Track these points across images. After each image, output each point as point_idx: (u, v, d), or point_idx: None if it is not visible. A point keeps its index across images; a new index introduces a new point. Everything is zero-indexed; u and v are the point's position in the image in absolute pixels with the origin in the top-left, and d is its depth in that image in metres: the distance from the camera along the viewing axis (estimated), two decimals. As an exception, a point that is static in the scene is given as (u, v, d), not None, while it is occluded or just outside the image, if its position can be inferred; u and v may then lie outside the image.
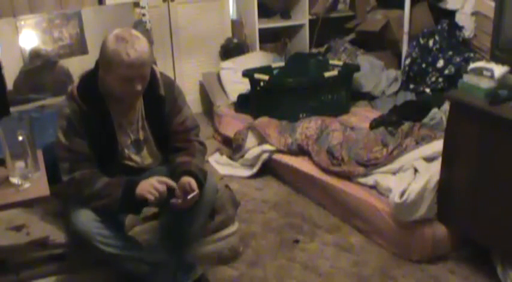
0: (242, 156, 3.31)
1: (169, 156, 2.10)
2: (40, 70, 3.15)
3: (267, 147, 3.17)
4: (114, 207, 1.91)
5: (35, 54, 3.18)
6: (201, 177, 1.98)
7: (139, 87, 1.87)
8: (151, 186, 1.87)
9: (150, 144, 2.09)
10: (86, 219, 1.88)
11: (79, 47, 3.21)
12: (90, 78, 1.97)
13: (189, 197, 1.89)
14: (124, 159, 2.06)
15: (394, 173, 2.57)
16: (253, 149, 3.27)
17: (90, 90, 1.94)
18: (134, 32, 1.90)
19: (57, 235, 2.04)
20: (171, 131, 2.08)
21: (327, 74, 3.51)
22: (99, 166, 1.98)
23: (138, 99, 2.01)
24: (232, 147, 3.42)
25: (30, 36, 3.14)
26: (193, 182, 1.92)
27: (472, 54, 3.08)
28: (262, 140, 3.24)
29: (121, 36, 1.83)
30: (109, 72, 1.86)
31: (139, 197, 1.88)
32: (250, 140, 3.30)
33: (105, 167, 1.99)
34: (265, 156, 3.18)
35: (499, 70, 2.08)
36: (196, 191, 1.91)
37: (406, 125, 2.86)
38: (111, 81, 1.87)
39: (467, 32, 3.18)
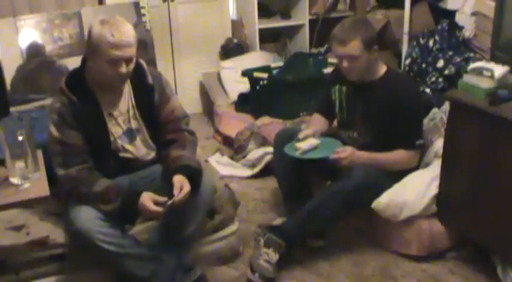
0: (244, 157, 3.31)
1: (162, 151, 2.12)
2: (39, 70, 3.16)
3: (269, 149, 3.16)
4: (113, 215, 1.94)
5: (34, 54, 3.18)
6: (194, 167, 2.01)
7: (125, 70, 1.92)
8: (149, 210, 1.91)
9: (143, 133, 2.12)
10: (87, 217, 1.89)
11: (79, 47, 3.21)
12: (77, 73, 2.03)
13: (178, 197, 1.90)
14: (118, 151, 2.08)
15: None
16: (255, 150, 3.27)
17: (78, 83, 1.99)
18: (118, 17, 1.96)
19: (57, 235, 2.04)
20: (161, 122, 2.12)
21: (325, 71, 3.51)
22: (93, 159, 2.00)
23: (125, 85, 2.04)
24: (234, 147, 3.42)
25: (30, 36, 3.14)
26: (183, 180, 1.94)
27: (472, 54, 3.07)
28: (264, 141, 3.24)
29: (105, 20, 1.90)
30: (96, 56, 1.91)
31: (138, 211, 1.93)
32: (253, 141, 3.30)
33: (99, 159, 2.02)
34: (268, 157, 3.18)
35: (499, 70, 2.08)
36: (186, 188, 1.92)
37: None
38: (99, 65, 1.92)
39: (467, 32, 3.17)
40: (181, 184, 1.93)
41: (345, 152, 2.28)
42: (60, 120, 1.95)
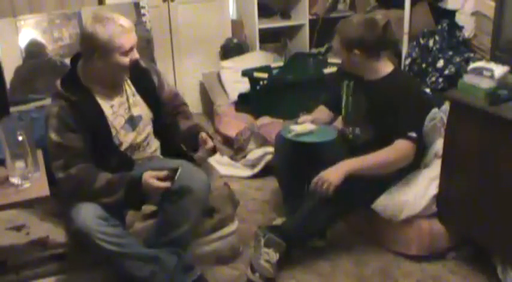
0: (244, 157, 3.31)
1: (171, 126, 2.26)
2: (40, 70, 3.15)
3: (269, 149, 3.17)
4: (118, 205, 1.97)
5: (35, 54, 3.18)
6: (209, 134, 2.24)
7: (137, 53, 2.02)
8: (154, 187, 1.95)
9: (147, 119, 2.18)
10: (87, 216, 1.90)
11: (79, 47, 3.20)
12: (71, 76, 2.05)
13: (207, 146, 2.15)
14: (120, 145, 2.10)
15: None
16: (255, 150, 3.27)
17: (74, 85, 2.02)
18: (101, 10, 2.04)
19: (57, 235, 2.04)
20: (164, 103, 2.25)
21: (326, 71, 3.51)
22: (98, 157, 2.02)
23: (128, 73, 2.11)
24: (234, 147, 3.42)
25: (30, 36, 3.13)
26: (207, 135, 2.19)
27: (472, 54, 3.08)
28: (264, 141, 3.24)
29: (102, 18, 1.94)
30: (110, 54, 1.95)
31: (144, 194, 1.98)
32: (253, 141, 3.30)
33: (101, 158, 2.03)
34: (268, 157, 3.18)
35: (499, 70, 2.08)
36: (211, 143, 2.17)
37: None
38: (111, 62, 1.96)
39: (467, 32, 3.18)
40: (206, 138, 2.15)
41: (317, 179, 2.22)
42: (60, 124, 1.95)
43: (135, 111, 2.14)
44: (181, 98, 2.37)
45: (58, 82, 2.02)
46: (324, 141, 2.37)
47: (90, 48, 1.95)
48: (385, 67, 2.36)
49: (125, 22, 1.96)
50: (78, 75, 2.04)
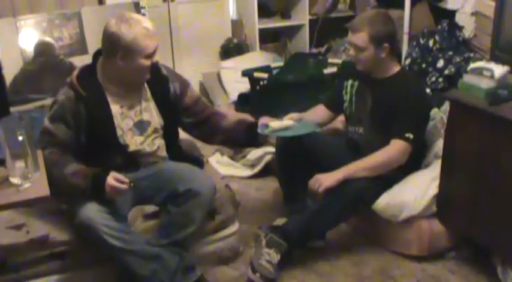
0: (244, 157, 3.31)
1: (201, 129, 2.30)
2: (44, 69, 3.16)
3: (269, 149, 3.17)
4: (83, 197, 1.94)
5: (43, 53, 3.18)
6: None
7: (157, 57, 2.03)
8: (109, 184, 1.91)
9: (156, 126, 2.16)
10: (91, 210, 1.91)
11: (79, 47, 3.21)
12: (89, 70, 2.06)
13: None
14: (126, 145, 2.10)
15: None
16: (255, 150, 3.26)
17: (89, 79, 2.02)
18: (126, 13, 2.04)
19: (56, 233, 2.04)
20: (188, 106, 2.24)
21: (326, 71, 3.51)
22: (103, 155, 2.03)
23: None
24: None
25: (30, 36, 3.14)
26: None
27: (472, 54, 3.08)
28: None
29: (128, 19, 1.94)
30: (133, 55, 1.95)
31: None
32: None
33: (105, 155, 2.04)
34: (268, 157, 3.18)
35: (499, 70, 2.08)
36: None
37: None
38: (136, 63, 1.96)
39: (467, 32, 3.18)
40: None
41: (314, 182, 2.28)
42: (58, 113, 1.98)
43: (145, 116, 2.13)
44: (203, 102, 2.35)
45: (75, 73, 2.04)
46: (294, 136, 2.36)
47: (113, 47, 1.95)
48: (394, 66, 2.38)
49: (150, 25, 1.97)
50: (95, 71, 2.05)
